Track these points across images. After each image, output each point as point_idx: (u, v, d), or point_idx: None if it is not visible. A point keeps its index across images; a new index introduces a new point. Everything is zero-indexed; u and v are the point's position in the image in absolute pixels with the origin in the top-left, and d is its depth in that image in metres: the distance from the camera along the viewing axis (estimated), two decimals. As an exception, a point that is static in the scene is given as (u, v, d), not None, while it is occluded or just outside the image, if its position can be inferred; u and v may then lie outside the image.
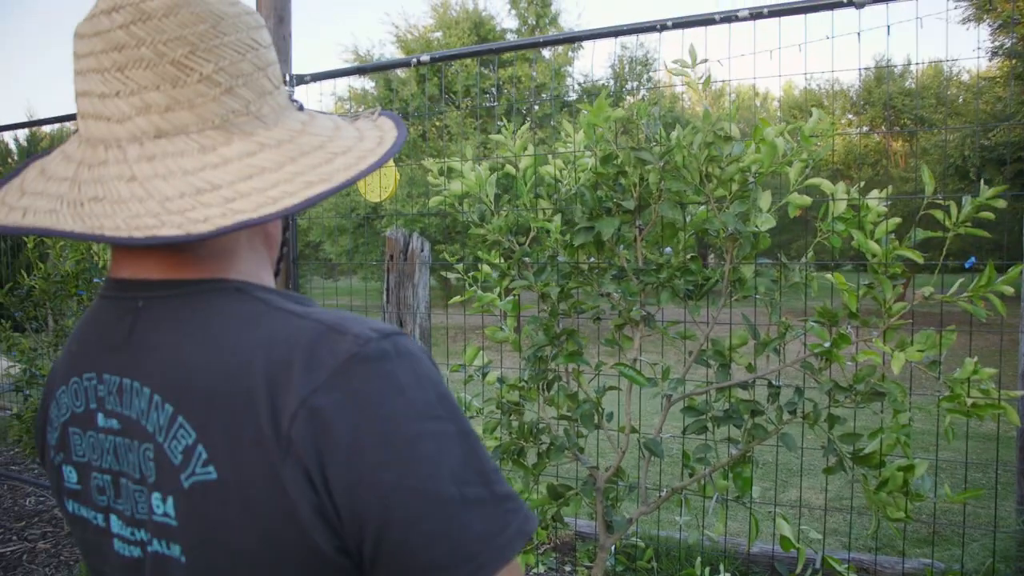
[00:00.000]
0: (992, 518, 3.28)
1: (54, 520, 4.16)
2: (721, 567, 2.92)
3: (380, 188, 3.26)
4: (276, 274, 0.83)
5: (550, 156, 2.38)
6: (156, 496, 0.67)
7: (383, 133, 0.76)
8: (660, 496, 2.26)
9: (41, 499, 4.53)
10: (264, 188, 0.65)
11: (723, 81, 2.44)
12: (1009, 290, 2.00)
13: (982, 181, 2.03)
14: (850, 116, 22.28)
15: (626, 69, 16.87)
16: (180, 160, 0.65)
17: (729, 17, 2.19)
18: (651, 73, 16.80)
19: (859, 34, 2.17)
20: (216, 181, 0.65)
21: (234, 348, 0.65)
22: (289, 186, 0.66)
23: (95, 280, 3.87)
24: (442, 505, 0.60)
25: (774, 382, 2.14)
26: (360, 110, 0.83)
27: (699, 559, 2.99)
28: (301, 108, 0.76)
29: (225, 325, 0.67)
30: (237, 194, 0.64)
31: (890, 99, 19.45)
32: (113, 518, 0.71)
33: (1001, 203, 1.97)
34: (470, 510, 0.61)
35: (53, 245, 3.89)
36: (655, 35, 2.39)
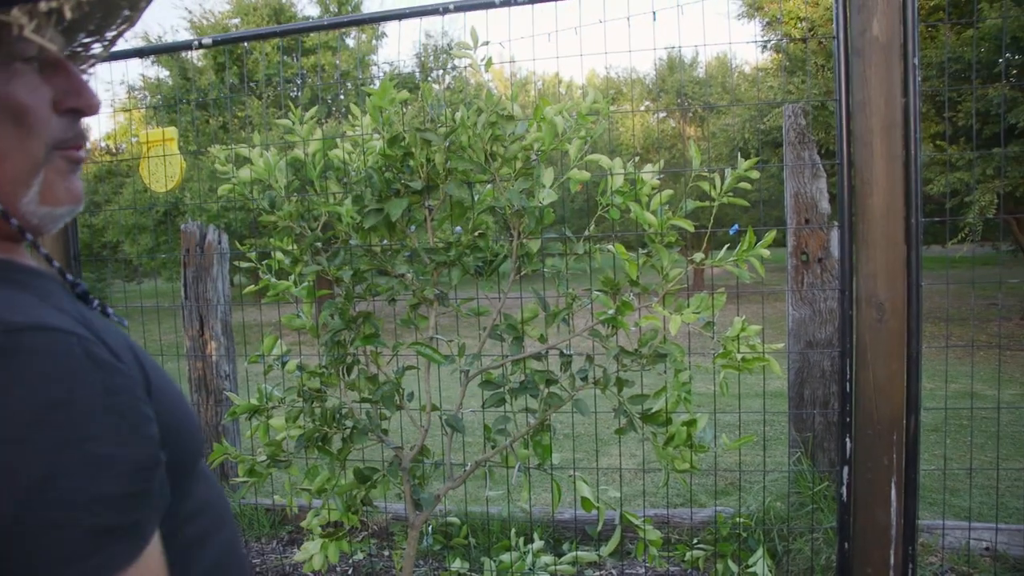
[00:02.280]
0: (768, 463, 3.62)
1: None
2: (535, 535, 3.03)
3: (165, 177, 3.08)
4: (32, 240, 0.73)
5: (339, 140, 2.35)
6: None
7: None
8: (465, 470, 2.31)
9: None
10: None
11: (509, 63, 2.51)
12: (766, 253, 2.20)
13: (739, 156, 2.22)
14: (647, 103, 23.56)
15: (430, 57, 16.91)
16: None
17: (508, 1, 2.25)
18: (455, 62, 16.96)
19: (628, 19, 2.31)
20: None
21: None
22: None
23: None
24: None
25: (565, 351, 2.24)
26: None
27: (513, 530, 3.09)
28: None
29: None
30: None
31: (681, 88, 20.77)
32: None
33: (755, 174, 2.17)
34: (45, 535, 0.55)
35: None
36: (461, 24, 2.41)
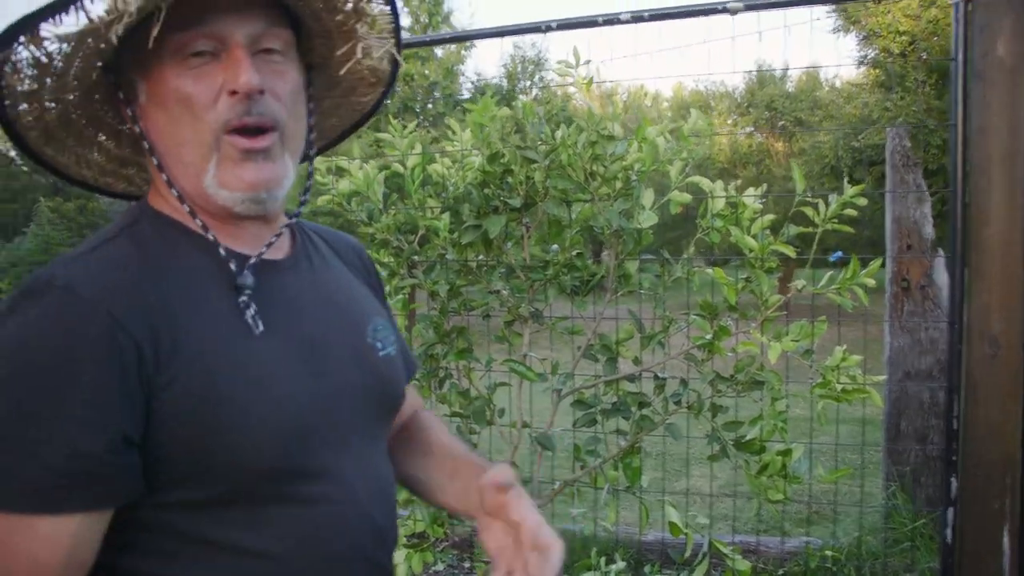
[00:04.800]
0: (861, 493, 3.49)
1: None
2: (616, 556, 2.99)
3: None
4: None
5: (438, 155, 2.38)
6: None
7: None
8: (553, 489, 2.30)
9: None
10: None
11: (609, 82, 2.50)
12: (871, 282, 2.12)
13: (846, 181, 2.15)
14: (735, 117, 23.15)
15: (518, 68, 16.99)
16: None
17: (611, 20, 2.23)
18: (542, 73, 16.99)
19: (733, 39, 2.27)
20: None
21: None
22: None
23: None
24: None
25: (660, 374, 2.21)
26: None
27: (595, 550, 3.05)
28: None
29: None
30: None
31: (771, 102, 20.33)
32: None
33: (863, 201, 2.10)
34: None
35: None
36: (547, 35, 2.42)
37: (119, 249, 0.79)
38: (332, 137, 1.07)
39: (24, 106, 0.79)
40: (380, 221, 2.34)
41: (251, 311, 0.82)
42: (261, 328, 0.82)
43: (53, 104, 0.81)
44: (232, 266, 0.83)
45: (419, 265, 2.32)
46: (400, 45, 0.92)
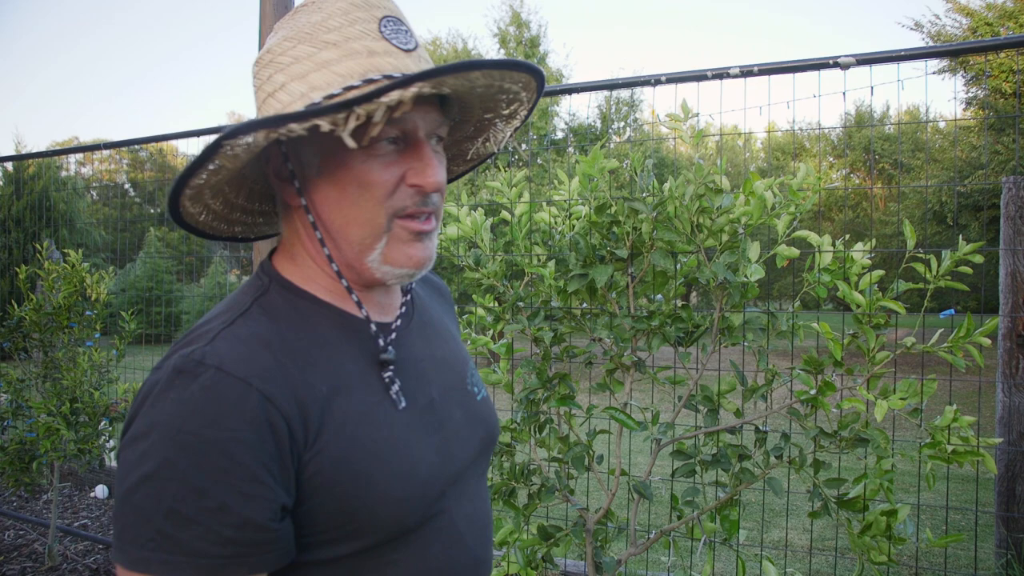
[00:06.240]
0: (971, 560, 3.33)
1: (33, 555, 4.11)
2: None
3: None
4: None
5: (544, 204, 2.44)
6: None
7: None
8: (649, 538, 2.30)
9: (20, 532, 4.47)
10: None
11: (716, 135, 2.53)
12: (986, 341, 2.06)
13: (960, 238, 2.11)
14: (831, 159, 22.64)
15: (612, 109, 17.08)
16: None
17: (720, 74, 2.27)
18: (637, 114, 17.02)
19: (844, 93, 2.27)
20: None
21: None
22: None
23: (86, 313, 3.86)
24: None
25: (761, 427, 2.19)
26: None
27: (685, 601, 3.01)
28: None
29: None
30: None
31: (870, 143, 19.81)
32: None
33: (979, 259, 2.05)
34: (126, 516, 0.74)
35: (45, 277, 3.87)
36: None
37: (257, 324, 0.83)
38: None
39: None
40: (487, 267, 2.42)
41: (396, 387, 0.89)
42: (404, 404, 0.88)
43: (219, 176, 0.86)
44: (381, 342, 0.89)
45: (523, 311, 2.38)
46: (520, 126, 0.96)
